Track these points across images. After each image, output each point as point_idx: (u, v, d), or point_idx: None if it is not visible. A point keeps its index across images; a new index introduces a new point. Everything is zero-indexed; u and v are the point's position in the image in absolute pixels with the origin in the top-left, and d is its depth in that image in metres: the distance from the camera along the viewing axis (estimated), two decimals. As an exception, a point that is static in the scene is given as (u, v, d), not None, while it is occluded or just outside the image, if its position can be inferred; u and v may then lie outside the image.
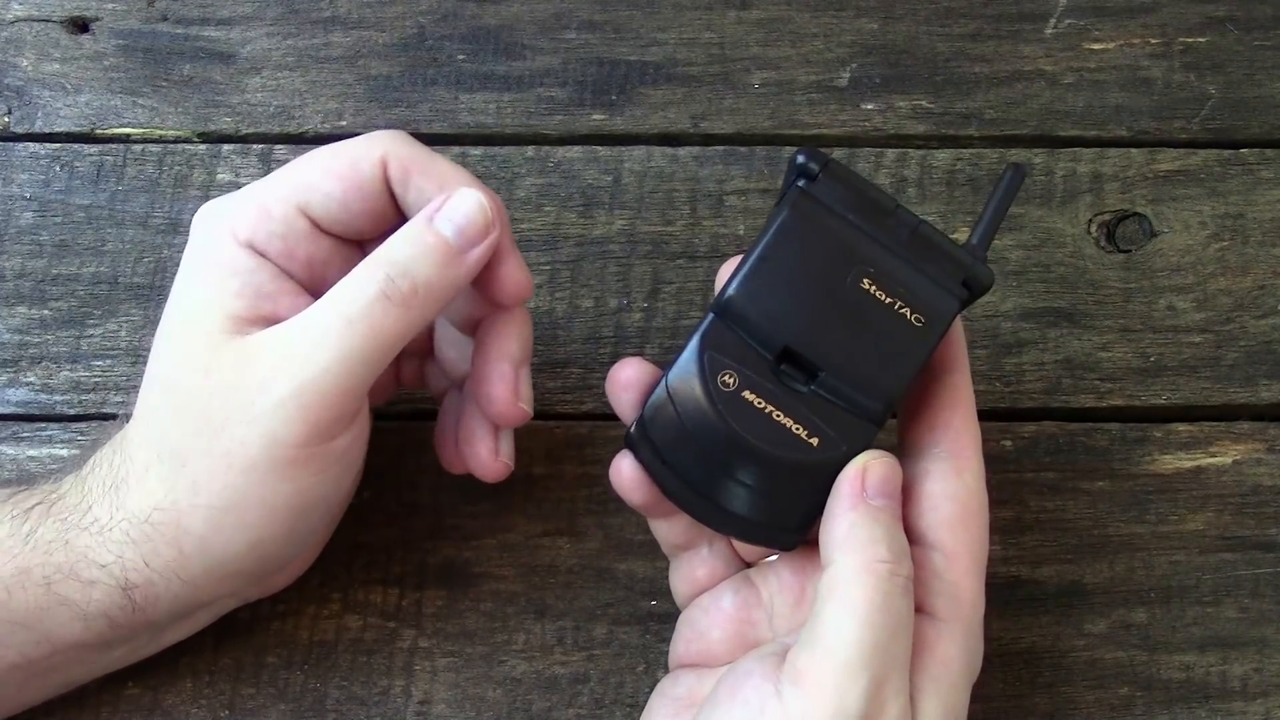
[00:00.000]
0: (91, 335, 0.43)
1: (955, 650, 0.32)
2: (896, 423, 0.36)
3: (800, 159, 0.33)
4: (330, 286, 0.33)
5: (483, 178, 0.45)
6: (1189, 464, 0.43)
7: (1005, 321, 0.44)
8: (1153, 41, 0.48)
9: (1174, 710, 0.40)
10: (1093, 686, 0.40)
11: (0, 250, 0.44)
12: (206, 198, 0.45)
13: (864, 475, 0.32)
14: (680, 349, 0.33)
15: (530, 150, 0.46)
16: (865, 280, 0.33)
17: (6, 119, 0.46)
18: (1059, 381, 0.44)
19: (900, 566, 0.31)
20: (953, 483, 0.33)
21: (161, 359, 0.34)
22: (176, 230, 0.44)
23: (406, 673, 0.40)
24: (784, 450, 0.32)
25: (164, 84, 0.46)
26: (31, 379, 0.43)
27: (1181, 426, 0.43)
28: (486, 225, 0.34)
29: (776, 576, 0.35)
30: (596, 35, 0.47)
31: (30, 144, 0.46)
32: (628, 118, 0.46)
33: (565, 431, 0.43)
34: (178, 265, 0.35)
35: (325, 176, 0.34)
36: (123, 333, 0.43)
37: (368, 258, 0.33)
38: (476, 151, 0.46)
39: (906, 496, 0.33)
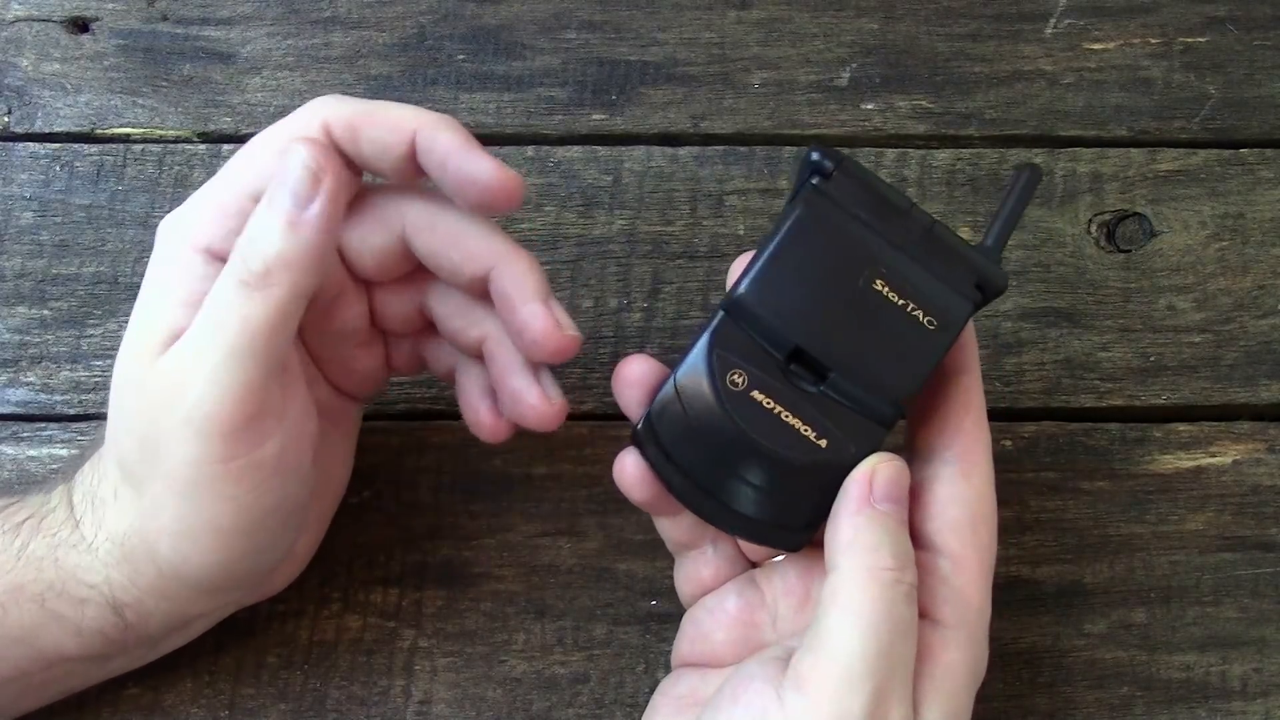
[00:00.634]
0: (91, 335, 0.43)
1: (960, 657, 0.32)
2: (905, 425, 0.36)
3: (815, 156, 0.33)
4: None
5: (483, 178, 0.45)
6: (1189, 464, 0.43)
7: (1005, 321, 0.44)
8: (1153, 41, 0.48)
9: (1174, 710, 0.40)
10: (1093, 686, 0.40)
11: (0, 250, 0.44)
12: (206, 198, 0.45)
13: (871, 478, 0.32)
14: (689, 347, 0.33)
15: (530, 150, 0.46)
16: (878, 281, 0.33)
17: (6, 119, 0.46)
18: (1059, 381, 0.44)
19: (904, 573, 0.31)
20: (961, 487, 0.33)
21: (115, 378, 0.33)
22: (176, 230, 0.44)
23: (406, 673, 0.40)
24: (791, 451, 0.32)
25: (164, 84, 0.47)
26: (31, 379, 0.43)
27: (1181, 426, 0.43)
28: (316, 174, 0.31)
29: (781, 578, 0.35)
30: (596, 35, 0.47)
31: (30, 144, 0.46)
32: (628, 118, 0.46)
33: (565, 431, 0.42)
34: None
35: (274, 160, 0.32)
36: (123, 333, 0.43)
37: None
38: (476, 151, 0.46)
39: (914, 500, 0.33)
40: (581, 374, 0.43)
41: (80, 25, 0.47)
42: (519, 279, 0.34)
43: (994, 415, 0.43)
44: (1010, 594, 0.41)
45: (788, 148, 0.46)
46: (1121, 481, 0.43)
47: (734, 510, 0.33)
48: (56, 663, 0.34)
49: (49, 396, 0.43)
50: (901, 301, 0.33)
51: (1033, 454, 0.43)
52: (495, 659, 0.40)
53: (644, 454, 0.34)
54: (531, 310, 0.34)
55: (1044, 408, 0.43)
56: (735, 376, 0.33)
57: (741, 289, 0.33)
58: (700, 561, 0.36)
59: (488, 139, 0.46)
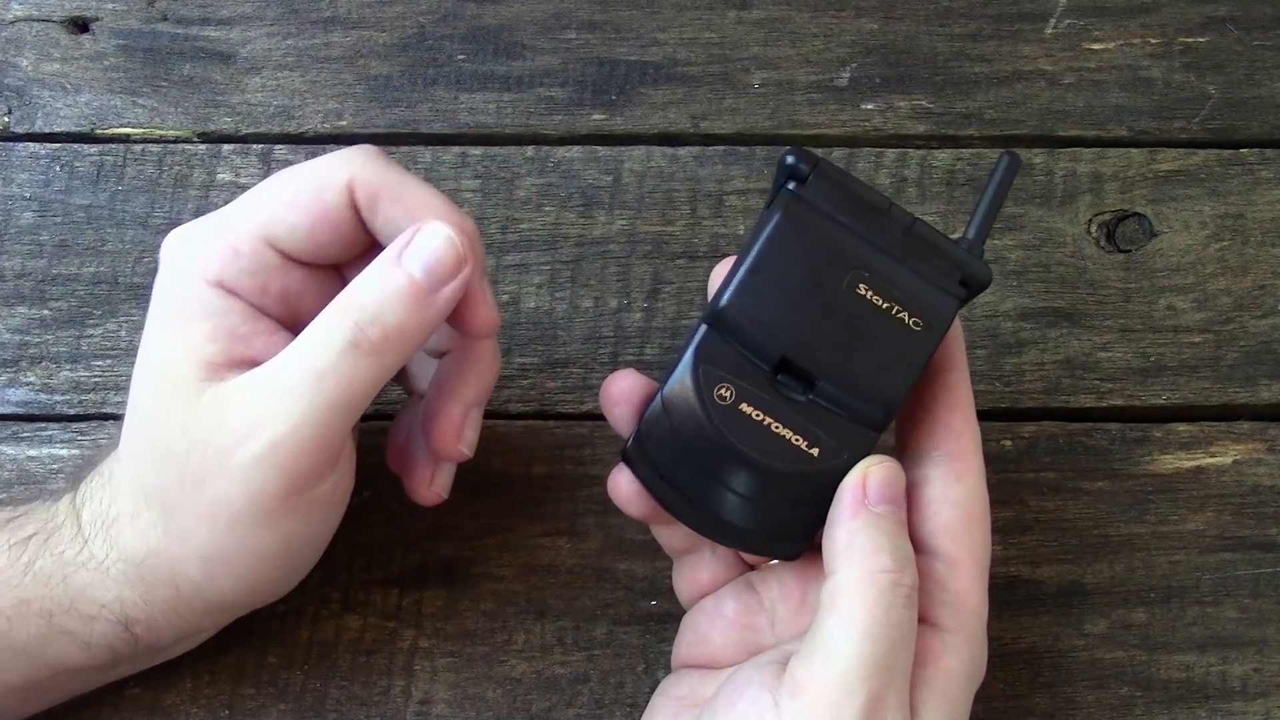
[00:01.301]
0: (91, 335, 0.43)
1: (958, 661, 0.32)
2: (895, 425, 0.36)
3: (789, 160, 0.33)
4: (308, 317, 0.32)
5: (482, 178, 0.45)
6: (1189, 464, 0.43)
7: (1005, 321, 0.44)
8: (1153, 41, 0.48)
9: (1174, 710, 0.40)
10: (1093, 686, 0.40)
11: (0, 250, 0.44)
12: (206, 198, 0.45)
13: (865, 482, 0.32)
14: (674, 362, 0.33)
15: (530, 150, 0.46)
16: (861, 285, 0.32)
17: (6, 119, 0.46)
18: (1059, 381, 0.44)
19: (904, 575, 0.30)
20: (953, 487, 0.33)
21: (140, 404, 0.33)
22: (176, 230, 0.44)
23: (406, 673, 0.40)
24: (784, 462, 0.32)
25: (164, 84, 0.46)
26: (31, 379, 0.43)
27: (1181, 426, 0.43)
28: (458, 262, 0.32)
29: (779, 582, 0.35)
30: (596, 35, 0.47)
31: (30, 144, 0.46)
32: (628, 118, 0.46)
33: (565, 431, 0.43)
34: None
35: (290, 208, 0.33)
36: (123, 333, 0.43)
37: (335, 302, 0.32)
38: (476, 151, 0.46)
39: (906, 502, 0.33)
40: (582, 374, 0.43)
41: (80, 25, 0.47)
42: (462, 376, 0.35)
43: (994, 415, 0.43)
44: (1010, 594, 0.41)
45: (787, 148, 0.46)
46: (1121, 481, 0.43)
47: (730, 523, 0.33)
48: (62, 672, 0.34)
49: (49, 396, 0.43)
50: (886, 304, 0.32)
51: (1032, 454, 0.43)
52: (495, 659, 0.40)
53: (636, 473, 0.34)
54: (449, 411, 0.35)
55: (1044, 408, 0.43)
56: (722, 390, 0.32)
57: (724, 301, 0.32)
58: (698, 565, 0.36)
59: (488, 139, 0.46)
